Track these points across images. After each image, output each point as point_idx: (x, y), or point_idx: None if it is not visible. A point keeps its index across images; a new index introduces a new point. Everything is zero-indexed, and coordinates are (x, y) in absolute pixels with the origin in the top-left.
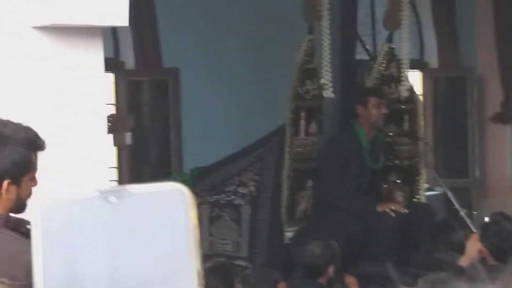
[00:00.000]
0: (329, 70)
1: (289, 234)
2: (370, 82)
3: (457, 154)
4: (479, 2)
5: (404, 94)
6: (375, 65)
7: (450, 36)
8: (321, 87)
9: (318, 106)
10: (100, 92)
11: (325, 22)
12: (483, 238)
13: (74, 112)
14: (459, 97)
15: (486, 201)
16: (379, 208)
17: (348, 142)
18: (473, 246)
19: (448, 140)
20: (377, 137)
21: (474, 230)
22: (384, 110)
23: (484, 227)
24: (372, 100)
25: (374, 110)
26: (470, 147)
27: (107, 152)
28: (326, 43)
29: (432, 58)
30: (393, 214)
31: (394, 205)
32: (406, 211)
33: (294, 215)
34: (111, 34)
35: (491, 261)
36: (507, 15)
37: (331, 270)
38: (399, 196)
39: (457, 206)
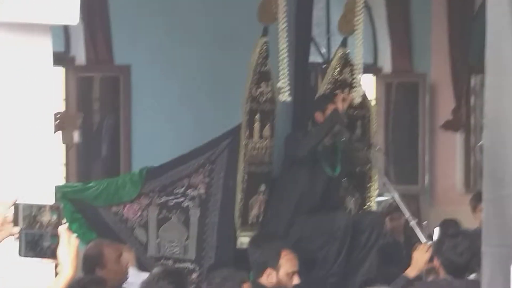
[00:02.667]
0: (286, 73)
1: (243, 239)
2: (323, 87)
3: (408, 161)
4: (434, 10)
5: (357, 100)
6: (329, 70)
7: (404, 42)
8: (274, 90)
9: (272, 109)
10: (49, 90)
11: (282, 25)
12: (437, 251)
13: (22, 109)
14: (412, 103)
15: (434, 209)
16: (339, 108)
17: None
18: (421, 257)
19: (399, 146)
20: (336, 144)
21: (423, 240)
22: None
23: (438, 241)
24: (330, 108)
25: None
26: (421, 154)
27: (55, 150)
28: (282, 46)
29: (386, 63)
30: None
31: (344, 96)
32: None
33: (247, 219)
34: (62, 28)
35: (442, 274)
36: (461, 23)
37: (268, 273)
38: (350, 202)
39: (407, 215)
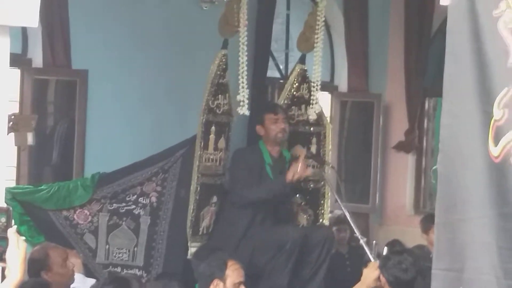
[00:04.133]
0: (245, 86)
1: (193, 249)
2: (281, 101)
3: (360, 179)
4: (391, 32)
5: (313, 116)
6: (286, 85)
7: (361, 62)
8: (231, 103)
9: (228, 121)
10: (4, 91)
11: (242, 38)
12: (383, 268)
13: None
14: (366, 123)
15: (383, 229)
16: (288, 179)
17: (250, 155)
18: (371, 274)
19: (351, 164)
20: (283, 155)
21: (372, 259)
22: (282, 125)
23: (384, 257)
24: (268, 117)
25: (272, 126)
26: (373, 174)
27: (6, 151)
28: (242, 59)
29: (342, 81)
30: (307, 172)
31: (299, 167)
32: (310, 173)
33: (198, 230)
34: (20, 30)
35: None
36: (418, 46)
37: (216, 284)
38: (303, 218)
39: (357, 233)
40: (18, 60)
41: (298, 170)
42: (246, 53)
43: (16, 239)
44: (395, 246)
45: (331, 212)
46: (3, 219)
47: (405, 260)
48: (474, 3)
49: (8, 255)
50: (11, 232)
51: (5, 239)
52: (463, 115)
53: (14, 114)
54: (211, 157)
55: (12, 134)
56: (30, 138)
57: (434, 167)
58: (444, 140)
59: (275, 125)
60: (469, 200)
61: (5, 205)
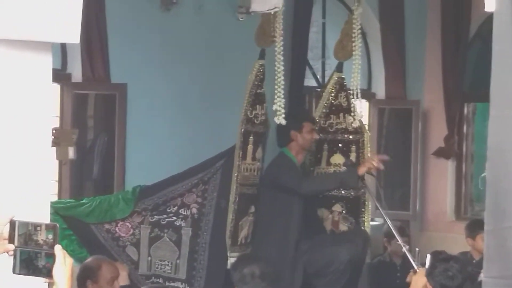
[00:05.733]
0: (282, 96)
1: (232, 259)
2: (319, 110)
3: (399, 187)
4: (428, 37)
5: (356, 124)
6: (324, 94)
7: (398, 68)
8: (267, 113)
9: (264, 131)
10: (47, 106)
11: (278, 48)
12: (429, 276)
13: (21, 124)
14: (404, 130)
15: (424, 235)
16: (360, 172)
17: (285, 163)
18: (418, 282)
19: (391, 171)
20: (305, 161)
21: (415, 266)
22: (316, 136)
23: (431, 265)
24: (306, 125)
25: (308, 135)
26: (413, 180)
27: (49, 166)
28: (279, 69)
29: (380, 89)
30: (381, 166)
31: (374, 162)
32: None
33: (237, 240)
34: (59, 46)
35: None
36: (455, 51)
37: None
38: (344, 226)
39: (400, 241)
40: (58, 75)
41: (374, 164)
42: (283, 63)
43: (63, 255)
44: (439, 254)
45: (371, 220)
46: (50, 236)
47: (451, 268)
48: None
49: (55, 272)
50: (58, 249)
51: (52, 256)
52: (510, 121)
53: (55, 129)
54: (249, 167)
55: (54, 148)
56: (71, 152)
57: (482, 175)
58: (491, 147)
59: (310, 135)
60: None
61: (52, 222)
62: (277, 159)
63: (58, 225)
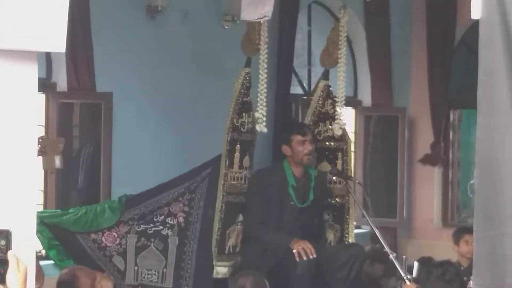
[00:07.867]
0: (264, 104)
1: (219, 268)
2: (308, 118)
3: (386, 194)
4: (414, 45)
5: (338, 132)
6: (312, 102)
7: (384, 75)
8: (254, 121)
9: (252, 139)
10: (33, 115)
11: (263, 56)
12: (426, 282)
13: (5, 133)
14: (391, 137)
15: (411, 243)
16: (292, 246)
17: (270, 177)
18: None
19: (377, 179)
20: (308, 172)
21: (403, 274)
22: (310, 147)
23: (425, 271)
24: (294, 138)
25: (299, 148)
26: (399, 188)
27: (35, 175)
28: (262, 77)
29: (366, 96)
30: (303, 257)
31: (306, 246)
32: (314, 256)
33: (224, 249)
34: (44, 55)
35: None
36: (441, 58)
37: None
38: (330, 234)
39: (387, 249)
40: (43, 84)
41: (302, 248)
42: (266, 70)
43: (16, 261)
44: (428, 261)
45: (357, 227)
46: (3, 242)
47: (447, 271)
48: (506, 16)
49: (8, 278)
50: (11, 255)
51: (5, 262)
52: (498, 129)
53: (41, 138)
54: (236, 175)
55: (40, 157)
56: (58, 161)
57: (471, 181)
58: (480, 154)
59: (302, 147)
60: (507, 214)
61: (38, 232)
62: (266, 171)
63: (11, 231)
